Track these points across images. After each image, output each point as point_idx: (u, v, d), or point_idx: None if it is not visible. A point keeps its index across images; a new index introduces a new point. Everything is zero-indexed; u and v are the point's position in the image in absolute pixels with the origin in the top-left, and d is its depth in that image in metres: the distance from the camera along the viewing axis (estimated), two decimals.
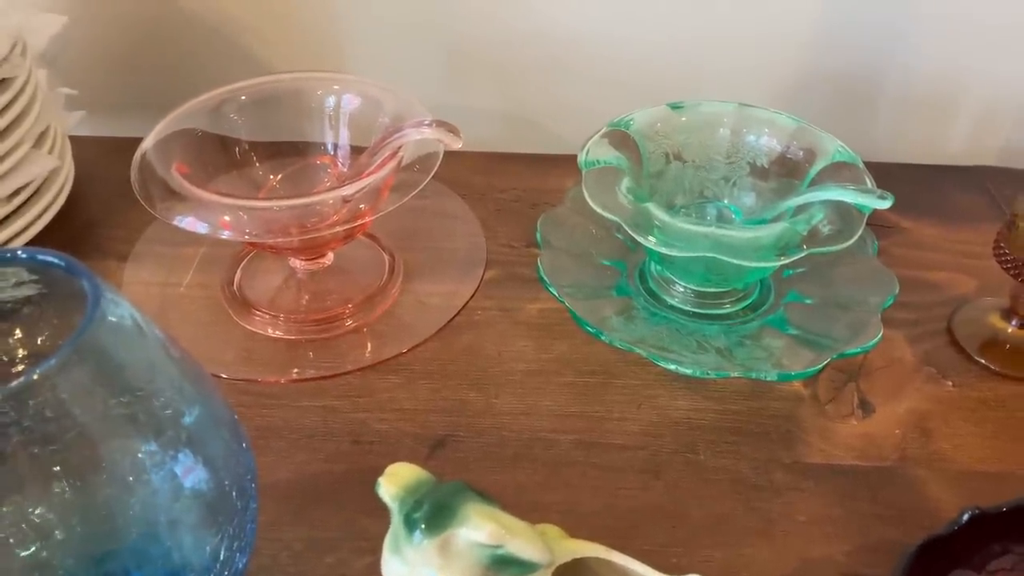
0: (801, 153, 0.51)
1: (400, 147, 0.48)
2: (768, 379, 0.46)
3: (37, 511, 0.26)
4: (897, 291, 0.49)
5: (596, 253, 0.53)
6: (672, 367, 0.45)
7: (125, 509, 0.27)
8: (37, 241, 0.54)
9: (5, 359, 0.31)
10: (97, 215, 0.59)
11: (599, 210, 0.47)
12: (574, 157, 0.50)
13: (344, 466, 0.44)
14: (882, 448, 0.45)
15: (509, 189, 0.62)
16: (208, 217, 0.46)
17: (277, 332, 0.51)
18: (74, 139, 0.61)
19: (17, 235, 0.53)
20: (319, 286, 0.54)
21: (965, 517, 0.36)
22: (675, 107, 0.53)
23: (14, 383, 0.24)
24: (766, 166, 0.52)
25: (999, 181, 0.64)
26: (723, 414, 0.47)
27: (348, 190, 0.46)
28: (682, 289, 0.51)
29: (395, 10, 0.65)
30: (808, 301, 0.51)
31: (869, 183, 0.47)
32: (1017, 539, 0.37)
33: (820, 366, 0.45)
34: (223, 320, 0.52)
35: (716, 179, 0.54)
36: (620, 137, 0.51)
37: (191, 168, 0.49)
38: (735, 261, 0.44)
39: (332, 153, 0.54)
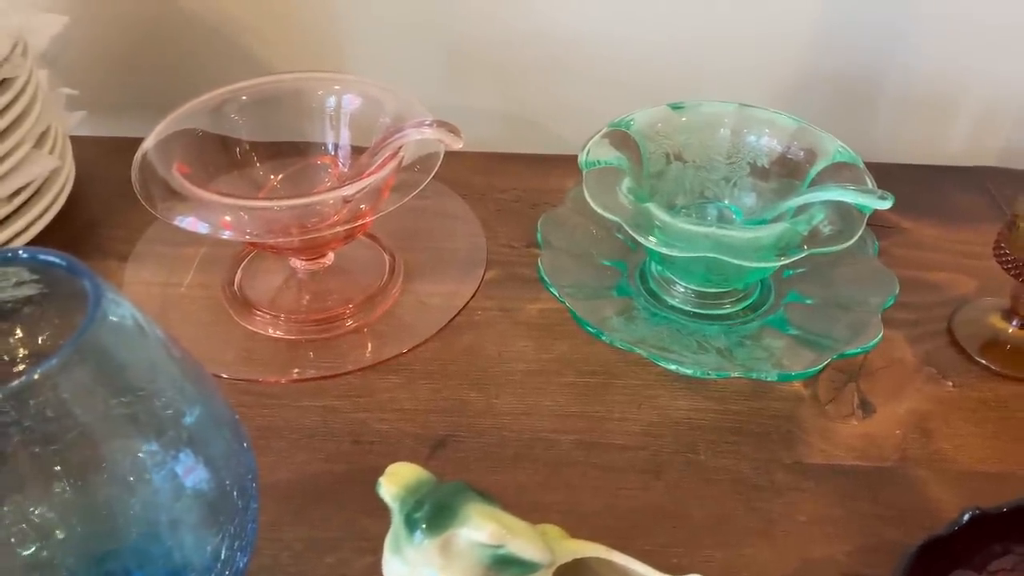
0: (802, 153, 0.51)
1: (401, 147, 0.48)
2: (769, 379, 0.46)
3: (38, 511, 0.26)
4: (897, 291, 0.49)
5: (597, 253, 0.53)
6: (673, 367, 0.45)
7: (126, 509, 0.27)
8: (38, 241, 0.54)
9: (6, 359, 0.31)
10: (98, 215, 0.59)
11: (600, 210, 0.47)
12: (574, 157, 0.50)
13: (345, 466, 0.44)
14: (883, 448, 0.45)
15: (509, 189, 0.62)
16: (209, 217, 0.46)
17: (278, 332, 0.51)
18: (75, 139, 0.61)
19: (18, 235, 0.53)
20: (320, 286, 0.54)
21: (966, 517, 0.36)
22: (676, 107, 0.53)
23: (15, 383, 0.24)
24: (766, 166, 0.52)
25: (999, 181, 0.64)
26: (724, 414, 0.47)
27: (349, 190, 0.46)
28: (683, 289, 0.51)
29: (395, 10, 0.65)
30: (808, 301, 0.51)
31: (870, 183, 0.47)
32: (1018, 539, 0.37)
33: (820, 366, 0.45)
34: (224, 320, 0.52)
35: (717, 179, 0.54)
36: (621, 137, 0.51)
37: (192, 168, 0.49)
38: (735, 261, 0.44)
39: (333, 153, 0.54)
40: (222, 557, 0.30)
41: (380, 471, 0.32)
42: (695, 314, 0.50)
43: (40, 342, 0.31)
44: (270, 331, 0.51)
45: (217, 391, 0.32)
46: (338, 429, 0.45)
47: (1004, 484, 0.43)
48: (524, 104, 0.69)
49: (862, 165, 0.49)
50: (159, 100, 0.53)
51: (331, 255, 0.54)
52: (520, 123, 0.70)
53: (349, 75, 0.55)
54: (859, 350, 0.46)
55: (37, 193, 0.55)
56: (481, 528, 0.29)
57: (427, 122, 0.47)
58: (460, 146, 0.47)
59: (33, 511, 0.26)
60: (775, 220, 0.49)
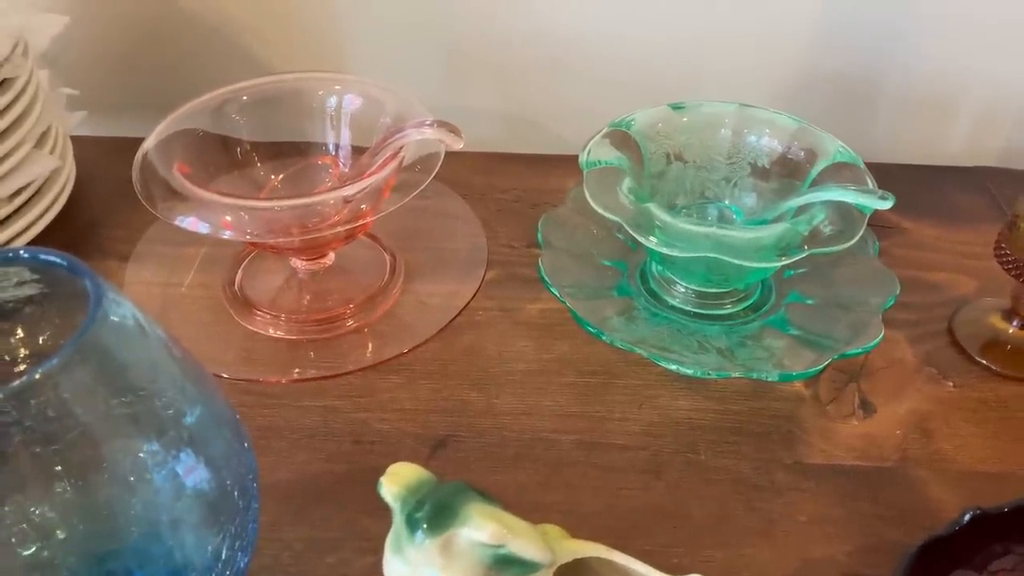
0: (802, 153, 0.51)
1: (401, 147, 0.48)
2: (769, 379, 0.46)
3: (39, 511, 0.26)
4: (898, 292, 0.49)
5: (597, 253, 0.53)
6: (673, 367, 0.45)
7: (127, 508, 0.27)
8: (38, 241, 0.54)
9: (7, 359, 0.31)
10: (98, 215, 0.59)
11: (600, 210, 0.47)
12: (574, 157, 0.50)
13: (345, 466, 0.44)
14: (883, 448, 0.45)
15: (510, 189, 0.62)
16: (209, 217, 0.46)
17: (278, 332, 0.51)
18: (75, 139, 0.61)
19: (18, 235, 0.53)
20: (320, 286, 0.54)
21: (967, 517, 0.36)
22: (676, 107, 0.53)
23: (16, 383, 0.24)
24: (767, 166, 0.52)
25: (999, 181, 0.64)
26: (724, 414, 0.47)
27: (349, 190, 0.46)
28: (683, 289, 0.51)
29: (395, 10, 0.65)
30: (809, 301, 0.51)
31: (870, 183, 0.47)
32: (1018, 539, 0.37)
33: (821, 366, 0.45)
34: (224, 320, 0.52)
35: (717, 179, 0.54)
36: (621, 137, 0.51)
37: (192, 168, 0.49)
38: (736, 261, 0.44)
39: (333, 153, 0.54)
40: (223, 557, 0.30)
41: (381, 471, 0.32)
42: (696, 314, 0.50)
43: (41, 342, 0.31)
44: (271, 331, 0.51)
45: (218, 391, 0.32)
46: (339, 429, 0.45)
47: (1004, 484, 0.43)
48: (524, 104, 0.69)
49: (863, 165, 0.49)
50: (160, 100, 0.53)
51: (332, 255, 0.54)
52: (520, 123, 0.70)
53: (350, 75, 0.55)
54: (860, 350, 0.46)
55: (38, 193, 0.55)
56: (482, 528, 0.29)
57: (428, 122, 0.47)
58: (461, 146, 0.47)
59: (34, 511, 0.26)
60: (776, 220, 0.50)
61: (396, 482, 0.31)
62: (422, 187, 0.48)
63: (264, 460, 0.40)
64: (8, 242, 0.52)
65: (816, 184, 0.50)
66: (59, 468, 0.26)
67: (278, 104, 0.53)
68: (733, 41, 0.65)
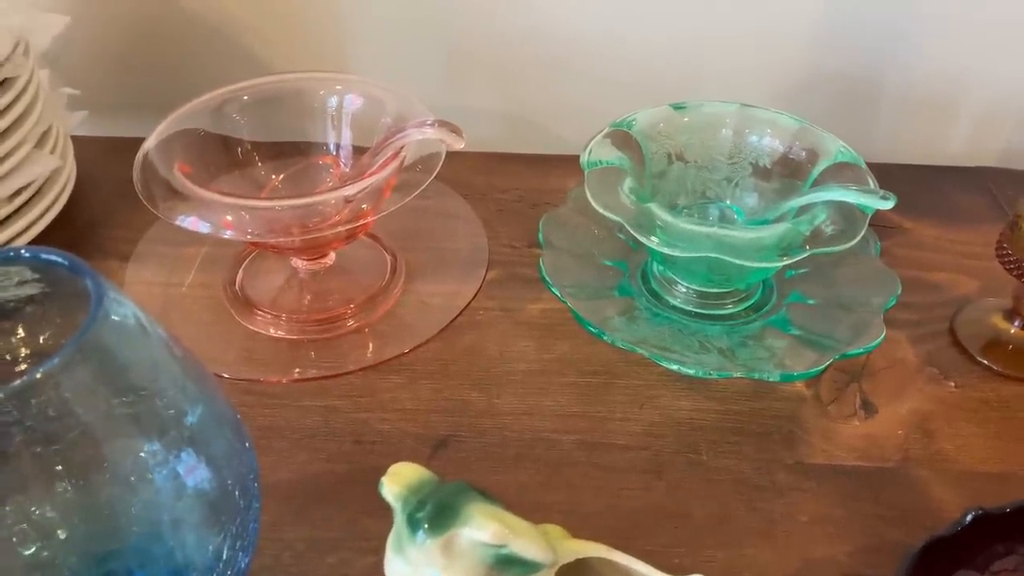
0: (803, 153, 0.51)
1: (402, 147, 0.48)
2: (771, 379, 0.46)
3: (40, 510, 0.26)
4: (899, 292, 0.49)
5: (598, 253, 0.53)
6: (674, 367, 0.45)
7: (128, 508, 0.27)
8: (39, 241, 0.54)
9: (8, 358, 0.31)
10: (99, 215, 0.59)
11: (602, 210, 0.47)
12: (575, 157, 0.50)
13: (346, 466, 0.44)
14: (884, 449, 0.45)
15: (511, 189, 0.62)
16: (210, 217, 0.46)
17: (279, 332, 0.51)
18: (76, 139, 0.61)
19: (19, 235, 0.53)
20: (321, 286, 0.54)
21: (969, 518, 0.36)
22: (677, 107, 0.53)
23: (17, 382, 0.24)
24: (768, 166, 0.52)
25: (1000, 182, 0.64)
26: (725, 414, 0.47)
27: (350, 190, 0.46)
28: (684, 289, 0.51)
29: (396, 10, 0.65)
30: (811, 302, 0.51)
31: (872, 183, 0.47)
32: (1021, 539, 0.37)
33: (823, 367, 0.45)
34: (225, 320, 0.52)
35: (718, 179, 0.54)
36: (622, 137, 0.51)
37: (193, 168, 0.49)
38: (737, 261, 0.44)
39: (334, 153, 0.54)
40: (224, 557, 0.30)
41: (381, 471, 0.32)
42: (697, 314, 0.50)
43: (42, 341, 0.31)
44: (271, 331, 0.51)
45: (219, 390, 0.32)
46: (339, 429, 0.45)
47: (1006, 484, 0.43)
48: (524, 104, 0.69)
49: (864, 165, 0.49)
50: (160, 100, 0.53)
51: (332, 255, 0.54)
52: (520, 123, 0.70)
53: (351, 75, 0.55)
54: (861, 350, 0.46)
55: (38, 193, 0.55)
56: (483, 528, 0.29)
57: (429, 122, 0.47)
58: (462, 146, 0.47)
59: (35, 511, 0.26)
60: (777, 220, 0.49)
61: (397, 482, 0.31)
62: (423, 187, 0.48)
63: (265, 460, 0.40)
64: (8, 242, 0.52)
65: (817, 184, 0.50)
66: (60, 468, 0.26)
67: (279, 104, 0.53)
68: (734, 41, 0.65)
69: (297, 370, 0.48)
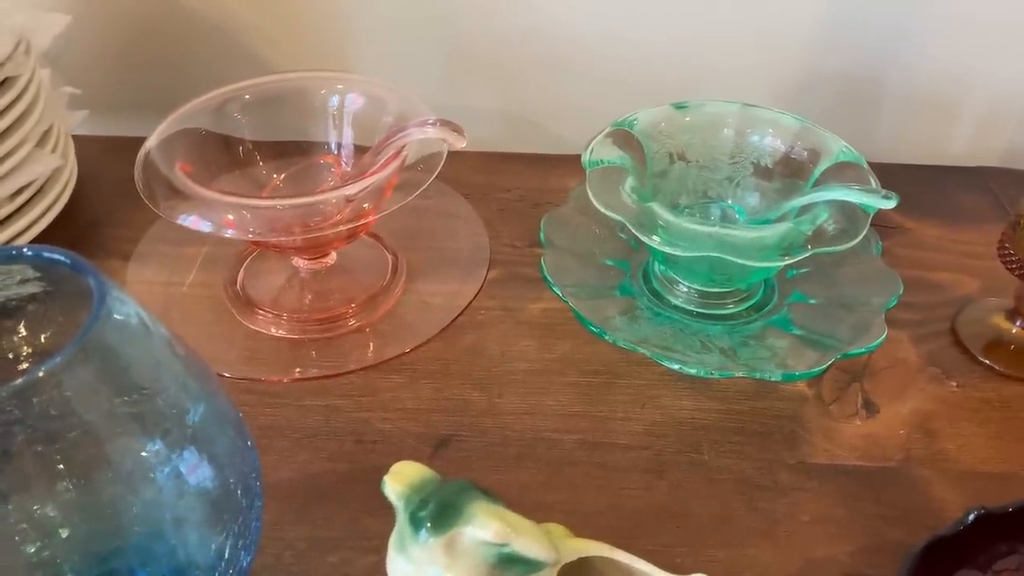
0: (805, 153, 0.51)
1: (404, 146, 0.48)
2: (772, 379, 0.46)
3: (42, 509, 0.26)
4: (901, 291, 0.49)
5: (599, 253, 0.53)
6: (676, 367, 0.45)
7: (130, 507, 0.27)
8: (40, 241, 0.54)
9: (10, 357, 0.31)
10: (100, 214, 0.59)
11: (603, 210, 0.47)
12: (575, 157, 0.50)
13: (347, 465, 0.44)
14: (886, 448, 0.45)
15: (512, 189, 0.62)
16: (212, 216, 0.46)
17: (280, 331, 0.51)
18: (77, 138, 0.61)
19: (20, 234, 0.53)
20: (322, 285, 0.54)
21: (971, 517, 0.36)
22: (679, 107, 0.53)
23: (19, 381, 0.24)
24: (770, 166, 0.52)
25: (1003, 182, 0.64)
26: (727, 414, 0.46)
27: (351, 189, 0.46)
28: (686, 289, 0.51)
29: (397, 10, 0.65)
30: (812, 301, 0.51)
31: (874, 183, 0.47)
32: (1023, 539, 0.37)
33: (824, 366, 0.45)
34: (226, 319, 0.52)
35: (720, 179, 0.54)
36: (624, 137, 0.51)
37: (195, 167, 0.49)
38: (739, 261, 0.44)
39: (336, 152, 0.54)
40: (226, 556, 0.30)
41: (382, 470, 0.32)
42: (698, 314, 0.50)
43: (44, 340, 0.31)
44: (272, 330, 0.51)
45: (220, 389, 0.32)
46: (340, 428, 0.45)
47: (1007, 484, 0.43)
48: (524, 104, 0.69)
49: (866, 165, 0.49)
50: (161, 99, 0.53)
51: (333, 254, 0.54)
52: (521, 123, 0.70)
53: (352, 74, 0.55)
54: (863, 350, 0.46)
55: (39, 192, 0.55)
56: (486, 526, 0.29)
57: (430, 121, 0.47)
58: (463, 145, 0.47)
59: (37, 510, 0.26)
60: (779, 220, 0.49)
61: (400, 481, 0.31)
62: (424, 186, 0.48)
63: (266, 459, 0.40)
64: (9, 241, 0.52)
65: (819, 184, 0.49)
66: (62, 467, 0.25)
67: (280, 103, 0.53)
68: (735, 40, 0.65)
69: (298, 369, 0.48)
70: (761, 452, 0.45)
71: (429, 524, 0.29)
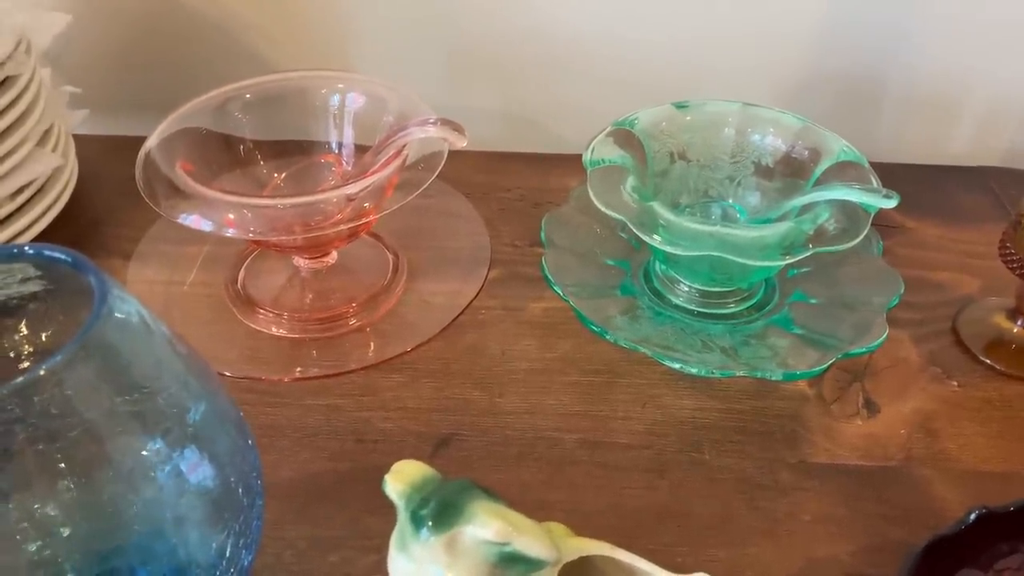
0: (806, 152, 0.51)
1: (404, 146, 0.48)
2: (773, 378, 0.46)
3: (43, 508, 0.26)
4: (902, 291, 0.49)
5: (600, 252, 0.53)
6: (677, 366, 0.45)
7: (130, 506, 0.27)
8: (41, 240, 0.54)
9: (11, 355, 0.31)
10: (101, 213, 0.59)
11: (604, 209, 0.47)
12: (576, 157, 0.50)
13: (348, 464, 0.44)
14: (887, 448, 0.45)
15: (513, 188, 0.62)
16: (212, 215, 0.46)
17: (281, 330, 0.51)
18: (78, 137, 0.61)
19: (21, 233, 0.53)
20: (323, 285, 0.54)
21: (973, 516, 0.36)
22: (680, 106, 0.53)
23: (20, 379, 0.24)
24: (771, 165, 0.52)
25: (1003, 181, 0.64)
26: (728, 413, 0.46)
27: (352, 189, 0.46)
28: (687, 288, 0.51)
29: (398, 10, 0.65)
30: (813, 301, 0.51)
31: (875, 182, 0.47)
32: None
33: (825, 366, 0.45)
34: (227, 318, 0.51)
35: (721, 178, 0.54)
36: (625, 136, 0.51)
37: (195, 166, 0.49)
38: (740, 260, 0.44)
39: (336, 152, 0.54)
40: (227, 554, 0.30)
41: (383, 470, 0.31)
42: (699, 313, 0.50)
43: (44, 339, 0.31)
44: (273, 329, 0.51)
45: (221, 388, 0.32)
46: (341, 428, 0.45)
47: (1008, 483, 0.43)
48: (525, 103, 0.69)
49: (867, 164, 0.49)
50: (162, 98, 0.53)
51: (334, 254, 0.54)
52: (521, 123, 0.70)
53: (353, 74, 0.55)
54: (864, 349, 0.46)
55: (40, 191, 0.55)
56: (487, 525, 0.29)
57: (431, 120, 0.47)
58: (464, 144, 0.47)
59: (38, 508, 0.26)
60: (780, 219, 0.49)
61: (401, 479, 0.31)
62: (425, 185, 0.48)
63: (267, 458, 0.40)
64: (10, 240, 0.52)
65: (820, 183, 0.49)
66: (63, 465, 0.25)
67: (281, 102, 0.53)
68: (736, 40, 0.65)
69: (299, 369, 0.48)
70: (762, 451, 0.45)
71: (430, 523, 0.29)
